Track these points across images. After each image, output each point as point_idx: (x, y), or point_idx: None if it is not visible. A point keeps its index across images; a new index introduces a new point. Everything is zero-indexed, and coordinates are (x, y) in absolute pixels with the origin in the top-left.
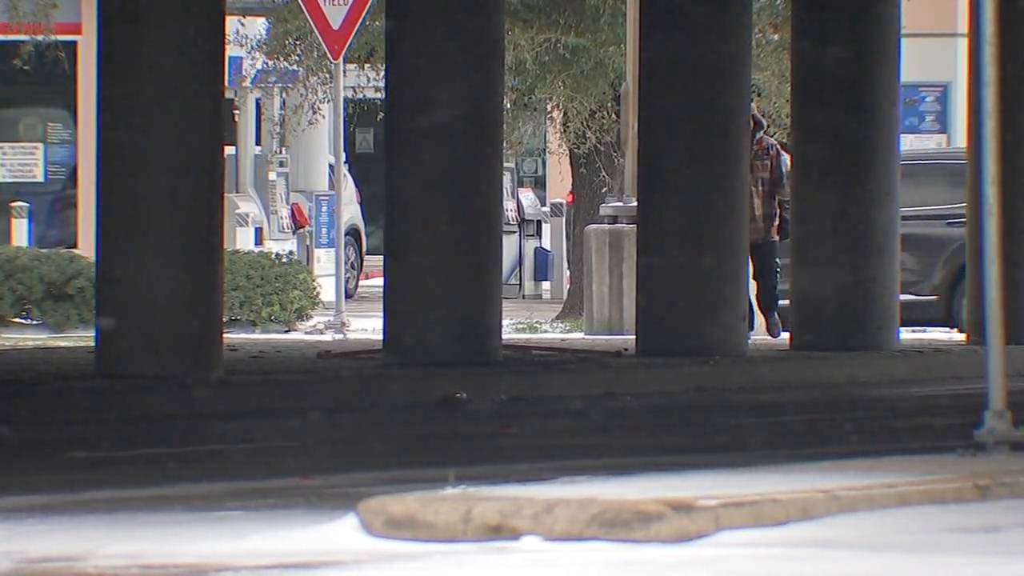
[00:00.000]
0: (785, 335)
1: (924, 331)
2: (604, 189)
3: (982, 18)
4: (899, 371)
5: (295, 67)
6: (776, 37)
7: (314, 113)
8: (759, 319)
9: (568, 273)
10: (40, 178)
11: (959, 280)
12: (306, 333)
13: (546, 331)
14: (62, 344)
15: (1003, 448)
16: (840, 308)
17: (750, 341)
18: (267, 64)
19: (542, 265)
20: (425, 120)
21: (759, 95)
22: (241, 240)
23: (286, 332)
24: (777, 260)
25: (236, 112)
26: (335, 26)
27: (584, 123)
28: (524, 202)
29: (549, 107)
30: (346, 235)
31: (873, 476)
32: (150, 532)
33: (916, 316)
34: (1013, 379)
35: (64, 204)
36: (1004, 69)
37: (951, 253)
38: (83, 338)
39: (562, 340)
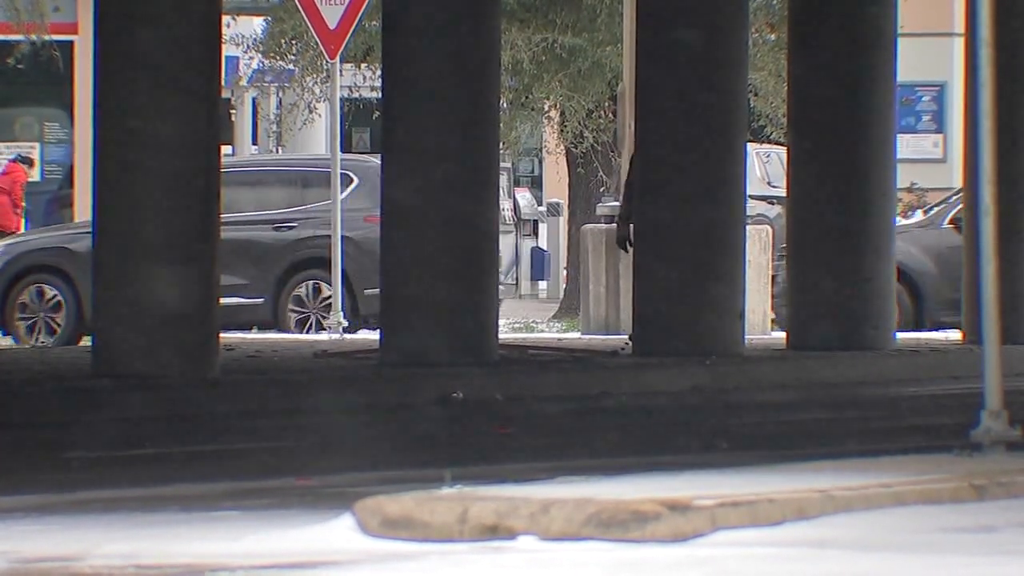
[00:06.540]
0: (783, 335)
1: (930, 331)
2: (601, 188)
3: (978, 18)
4: (896, 371)
5: (291, 66)
6: (773, 37)
7: (310, 112)
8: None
9: (565, 272)
10: (36, 177)
11: (284, 284)
12: (303, 333)
13: (543, 330)
14: None
15: (999, 448)
16: (837, 308)
17: (746, 340)
18: (263, 63)
19: (539, 265)
20: (422, 121)
21: (756, 95)
22: None
23: (283, 331)
24: None
25: (233, 111)
26: (331, 26)
27: (581, 123)
28: (521, 202)
29: (546, 107)
30: None
31: (869, 476)
32: (146, 532)
33: (245, 319)
34: (1009, 379)
35: (60, 203)
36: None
37: (278, 256)
38: None
39: (559, 339)
